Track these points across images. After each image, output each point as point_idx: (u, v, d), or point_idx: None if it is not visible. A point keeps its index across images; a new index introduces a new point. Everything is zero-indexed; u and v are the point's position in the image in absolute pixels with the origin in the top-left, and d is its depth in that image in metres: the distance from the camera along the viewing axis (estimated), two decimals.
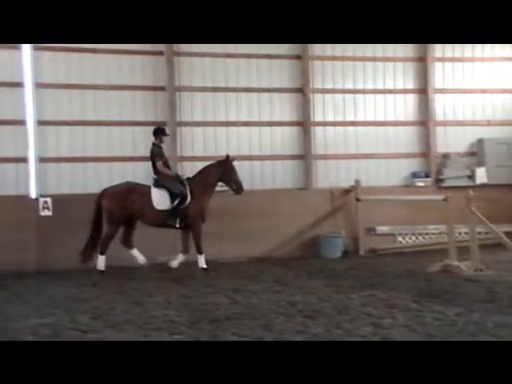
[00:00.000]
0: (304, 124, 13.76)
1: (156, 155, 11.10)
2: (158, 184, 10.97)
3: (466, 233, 11.68)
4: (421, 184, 14.62)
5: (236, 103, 13.40)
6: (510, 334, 5.85)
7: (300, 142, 13.83)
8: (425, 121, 14.51)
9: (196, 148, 13.10)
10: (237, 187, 11.01)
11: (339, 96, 14.05)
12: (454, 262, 10.78)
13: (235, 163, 11.07)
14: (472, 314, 6.92)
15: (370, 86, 14.28)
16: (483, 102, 14.99)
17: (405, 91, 14.53)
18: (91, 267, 10.64)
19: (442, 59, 14.73)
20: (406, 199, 13.79)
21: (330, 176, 14.08)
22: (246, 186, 11.80)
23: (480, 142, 14.74)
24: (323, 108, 13.93)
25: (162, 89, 12.81)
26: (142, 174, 11.94)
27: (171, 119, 12.75)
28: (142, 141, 12.27)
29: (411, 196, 13.94)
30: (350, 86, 14.11)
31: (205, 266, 10.78)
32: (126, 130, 12.70)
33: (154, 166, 11.08)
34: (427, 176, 14.71)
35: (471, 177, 14.77)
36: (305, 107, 13.76)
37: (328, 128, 13.93)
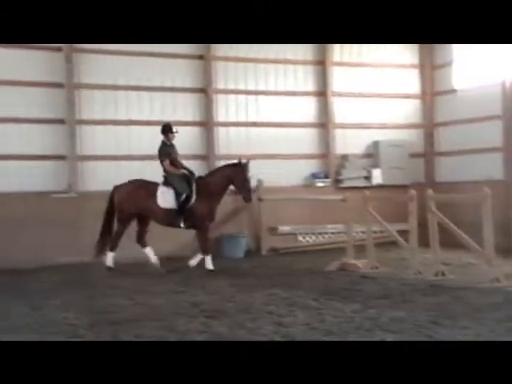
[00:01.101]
0: (207, 124, 13.73)
1: (162, 154, 10.99)
2: (166, 182, 10.90)
3: (362, 232, 12.00)
4: (320, 184, 14.80)
5: (138, 102, 13.22)
6: (402, 329, 6.10)
7: (203, 142, 13.78)
8: (324, 123, 14.79)
9: (97, 147, 12.82)
10: (245, 194, 10.87)
11: (242, 97, 14.11)
12: (351, 261, 11.02)
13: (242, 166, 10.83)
14: (368, 310, 7.16)
15: (271, 88, 14.37)
16: (379, 105, 15.34)
17: (305, 93, 14.77)
18: None
19: (340, 63, 15.02)
20: (306, 199, 13.98)
21: None
22: None
23: (375, 144, 15.16)
24: (226, 108, 13.97)
25: (61, 86, 12.44)
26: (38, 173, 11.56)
27: (70, 117, 12.40)
28: (39, 139, 11.92)
29: (311, 196, 14.12)
30: (252, 87, 14.19)
31: (211, 268, 10.65)
32: (21, 128, 12.21)
33: (161, 164, 11.03)
34: (326, 177, 14.93)
35: (368, 178, 15.14)
36: (208, 107, 13.75)
37: (231, 128, 13.96)
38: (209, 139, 13.75)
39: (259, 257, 13.22)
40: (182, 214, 10.79)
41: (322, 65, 14.92)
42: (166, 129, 11.15)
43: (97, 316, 7.11)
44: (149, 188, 10.98)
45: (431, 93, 15.91)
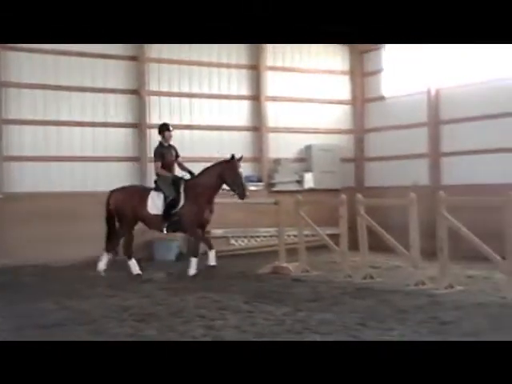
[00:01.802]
0: (139, 126, 13.68)
1: (155, 154, 10.81)
2: (156, 187, 10.72)
3: (294, 235, 12.07)
4: (253, 188, 14.54)
5: (68, 102, 13.07)
6: (330, 331, 6.28)
7: (135, 144, 13.72)
8: (257, 127, 14.95)
9: (25, 147, 12.60)
10: (239, 191, 10.44)
11: (175, 99, 14.14)
12: (283, 264, 11.19)
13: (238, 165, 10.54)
14: (298, 312, 7.35)
15: (205, 91, 14.44)
16: (311, 110, 15.57)
17: (239, 97, 14.88)
18: None
19: (274, 68, 15.21)
20: (238, 202, 13.81)
21: None
22: (76, 187, 11.51)
23: (308, 148, 15.40)
24: (159, 110, 13.96)
25: None
26: None
27: None
28: None
29: (245, 200, 14.05)
30: (186, 89, 14.23)
31: (193, 272, 10.38)
32: None
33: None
34: (259, 180, 15.07)
35: (300, 181, 15.33)
36: (140, 109, 13.69)
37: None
38: (141, 141, 13.63)
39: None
40: (166, 218, 10.56)
41: (255, 69, 15.10)
42: (162, 128, 10.95)
43: (22, 320, 7.00)
44: (142, 193, 10.84)
45: (362, 99, 16.29)
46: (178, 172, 11.00)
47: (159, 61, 14.06)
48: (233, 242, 14.53)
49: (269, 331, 6.32)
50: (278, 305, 7.99)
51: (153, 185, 10.97)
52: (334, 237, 11.41)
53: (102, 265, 10.77)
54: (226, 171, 10.46)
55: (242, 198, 10.53)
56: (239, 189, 10.41)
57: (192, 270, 10.41)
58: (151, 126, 13.85)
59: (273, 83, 15.39)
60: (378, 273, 10.22)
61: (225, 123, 14.72)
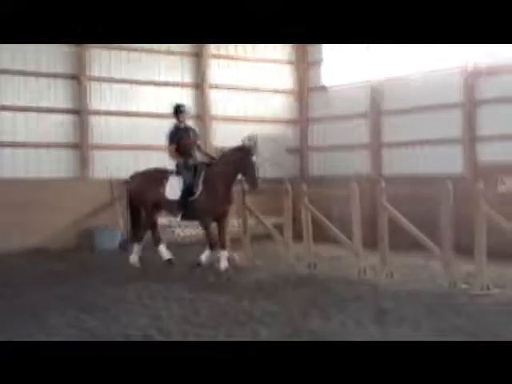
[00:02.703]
0: (79, 112, 13.58)
1: (168, 136, 10.44)
2: (177, 172, 10.39)
3: (237, 225, 12.24)
4: None
5: (4, 87, 12.86)
6: (274, 321, 6.51)
7: (76, 130, 13.59)
8: (201, 115, 14.96)
9: None
10: (250, 182, 10.03)
11: (116, 86, 14.05)
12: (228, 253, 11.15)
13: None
14: (242, 302, 7.51)
15: (147, 78, 14.40)
16: (256, 100, 15.76)
17: (182, 85, 14.89)
18: None
19: (218, 56, 15.31)
20: None
21: (109, 166, 14.01)
22: (18, 173, 11.46)
23: (252, 137, 14.40)
24: (100, 97, 13.88)
25: None
26: None
27: None
28: None
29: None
30: (127, 76, 14.16)
31: (225, 265, 10.07)
32: None
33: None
34: None
35: None
36: (81, 95, 13.59)
37: (106, 118, 13.93)
38: (82, 128, 13.54)
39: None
40: (182, 206, 10.26)
41: (199, 57, 15.14)
42: (176, 110, 10.65)
43: None
44: (161, 177, 10.51)
45: (305, 89, 16.53)
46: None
47: (100, 46, 13.79)
48: (178, 231, 14.46)
49: (213, 321, 6.49)
50: (222, 294, 8.10)
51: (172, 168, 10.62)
52: (278, 227, 11.52)
53: (133, 258, 10.64)
54: (239, 160, 10.06)
55: (253, 188, 10.15)
56: (251, 178, 10.00)
57: (223, 264, 10.06)
58: (92, 113, 13.81)
59: (216, 71, 15.51)
60: (321, 262, 10.41)
61: (167, 111, 14.57)
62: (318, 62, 16.42)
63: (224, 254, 10.20)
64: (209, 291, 8.28)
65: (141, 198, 10.77)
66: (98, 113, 14.00)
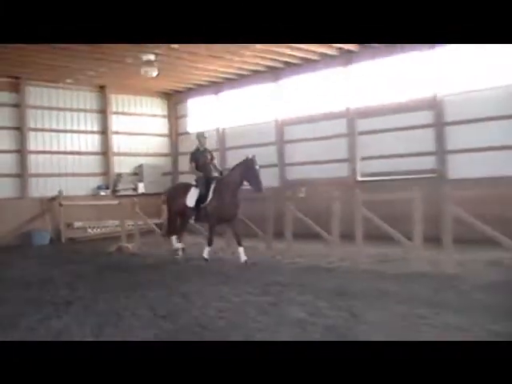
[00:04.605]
0: (22, 151, 14.88)
1: (190, 159, 10.44)
2: (196, 184, 10.32)
3: (132, 224, 12.83)
4: (103, 193, 16.33)
5: None
6: (157, 286, 7.50)
7: (18, 163, 14.86)
8: (105, 152, 16.68)
9: None
10: (255, 187, 9.71)
11: (47, 133, 15.60)
12: (124, 244, 12.21)
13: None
14: (136, 277, 8.39)
15: (68, 128, 15.97)
16: (143, 140, 17.45)
17: (92, 132, 16.58)
18: None
19: (116, 112, 17.07)
20: (93, 204, 15.42)
21: (40, 189, 15.22)
22: None
23: (140, 166, 17.38)
24: (36, 141, 15.28)
25: None
26: None
27: None
28: None
29: (97, 201, 15.63)
30: (55, 126, 15.76)
31: (206, 257, 9.99)
32: None
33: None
34: (107, 188, 16.48)
35: (135, 188, 16.76)
36: (22, 140, 14.85)
37: (39, 155, 15.40)
38: (22, 162, 14.99)
39: (60, 244, 14.25)
40: (194, 210, 10.11)
41: (103, 113, 16.85)
42: (198, 136, 10.59)
43: None
44: (186, 189, 10.40)
45: (176, 133, 18.28)
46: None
47: (35, 107, 15.59)
48: (89, 230, 15.31)
49: (116, 292, 7.17)
50: (122, 273, 8.90)
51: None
52: (158, 225, 12.58)
53: (177, 245, 10.60)
54: (246, 170, 9.81)
55: (258, 191, 9.77)
56: (256, 184, 9.73)
57: (242, 257, 9.69)
58: (31, 152, 15.31)
59: (116, 122, 16.94)
60: (188, 247, 10.94)
61: (83, 149, 16.35)
62: (184, 116, 18.14)
63: (241, 250, 9.78)
64: (113, 270, 9.04)
65: (170, 205, 10.73)
66: (33, 152, 15.46)
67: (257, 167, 9.75)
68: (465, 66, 12.33)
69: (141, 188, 17.01)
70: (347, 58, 13.97)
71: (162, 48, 12.42)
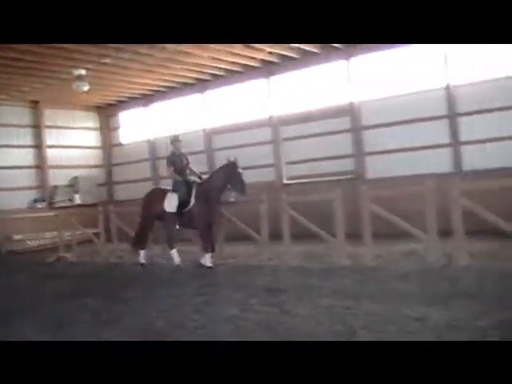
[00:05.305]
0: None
1: (167, 162, 10.08)
2: (173, 189, 9.90)
3: (69, 235, 13.00)
4: (40, 206, 16.11)
5: None
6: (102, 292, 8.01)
7: None
8: (41, 165, 16.34)
9: None
10: (240, 188, 9.33)
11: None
12: (62, 254, 12.42)
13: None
14: (75, 282, 8.70)
15: (4, 143, 15.85)
16: (77, 153, 17.41)
17: (28, 146, 16.35)
18: None
19: (51, 126, 16.91)
20: (30, 216, 15.23)
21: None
22: None
23: (76, 178, 17.25)
24: None
25: None
26: None
27: None
28: None
29: (34, 214, 15.45)
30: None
31: (209, 265, 9.44)
32: None
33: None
34: (44, 200, 16.31)
35: (71, 200, 16.73)
36: None
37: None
38: None
39: (0, 257, 14.02)
40: (177, 216, 9.67)
41: (37, 127, 16.67)
42: (172, 140, 10.16)
43: None
44: (162, 194, 9.95)
45: (109, 145, 18.34)
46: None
47: None
48: (28, 242, 15.00)
49: (53, 297, 7.41)
50: (62, 280, 9.12)
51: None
52: (95, 234, 12.67)
53: (143, 260, 10.22)
54: (229, 173, 9.43)
55: (243, 194, 9.43)
56: (240, 186, 9.38)
57: (206, 262, 9.42)
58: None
59: (50, 136, 16.81)
60: (126, 255, 11.17)
61: (19, 163, 16.15)
62: (117, 128, 18.17)
63: (208, 256, 9.49)
64: (53, 279, 9.16)
65: (147, 211, 10.21)
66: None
67: (240, 170, 9.46)
68: (380, 73, 12.90)
69: (77, 199, 17.04)
70: (269, 70, 14.44)
71: (93, 63, 12.56)
